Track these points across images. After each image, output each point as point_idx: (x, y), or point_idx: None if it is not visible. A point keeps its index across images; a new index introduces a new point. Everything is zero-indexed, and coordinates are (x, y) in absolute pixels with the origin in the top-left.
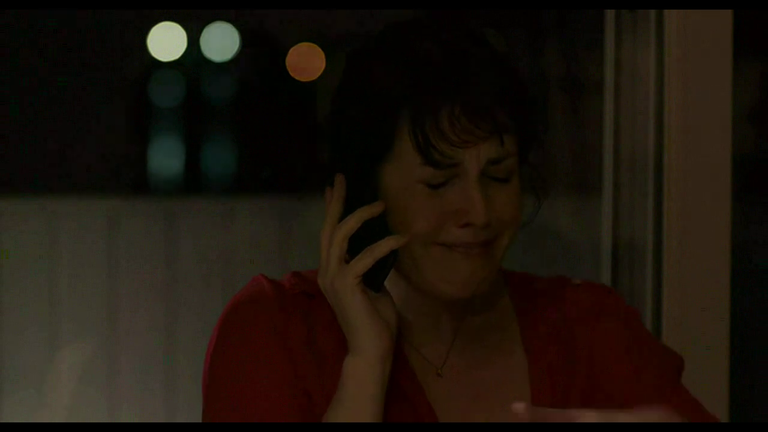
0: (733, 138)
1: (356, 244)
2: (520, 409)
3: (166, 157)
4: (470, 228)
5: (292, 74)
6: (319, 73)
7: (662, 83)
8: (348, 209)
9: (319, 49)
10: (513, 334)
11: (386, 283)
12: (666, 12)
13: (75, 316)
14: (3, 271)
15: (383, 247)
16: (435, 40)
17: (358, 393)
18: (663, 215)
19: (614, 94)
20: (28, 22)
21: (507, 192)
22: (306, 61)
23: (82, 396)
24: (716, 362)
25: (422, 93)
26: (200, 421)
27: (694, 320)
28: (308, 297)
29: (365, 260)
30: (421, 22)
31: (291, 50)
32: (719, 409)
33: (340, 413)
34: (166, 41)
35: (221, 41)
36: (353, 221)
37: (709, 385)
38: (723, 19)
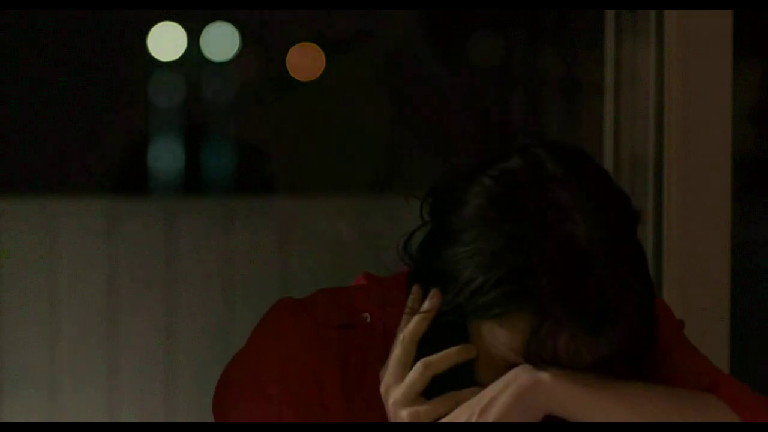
0: (733, 138)
1: (436, 377)
2: None
3: (166, 157)
4: None
5: (292, 74)
6: (319, 73)
7: (662, 83)
8: (432, 330)
9: (319, 49)
10: None
11: None
12: (666, 12)
13: (75, 316)
14: (3, 271)
15: (466, 397)
16: (584, 225)
17: None
18: (663, 215)
19: (614, 94)
20: (28, 22)
21: None
22: (306, 61)
23: (82, 396)
24: (716, 362)
25: (557, 301)
26: (200, 420)
27: (694, 320)
28: (344, 327)
29: (444, 408)
30: (563, 184)
31: (291, 50)
32: None
33: None
34: (166, 41)
35: (221, 41)
36: (447, 362)
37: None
38: (723, 19)
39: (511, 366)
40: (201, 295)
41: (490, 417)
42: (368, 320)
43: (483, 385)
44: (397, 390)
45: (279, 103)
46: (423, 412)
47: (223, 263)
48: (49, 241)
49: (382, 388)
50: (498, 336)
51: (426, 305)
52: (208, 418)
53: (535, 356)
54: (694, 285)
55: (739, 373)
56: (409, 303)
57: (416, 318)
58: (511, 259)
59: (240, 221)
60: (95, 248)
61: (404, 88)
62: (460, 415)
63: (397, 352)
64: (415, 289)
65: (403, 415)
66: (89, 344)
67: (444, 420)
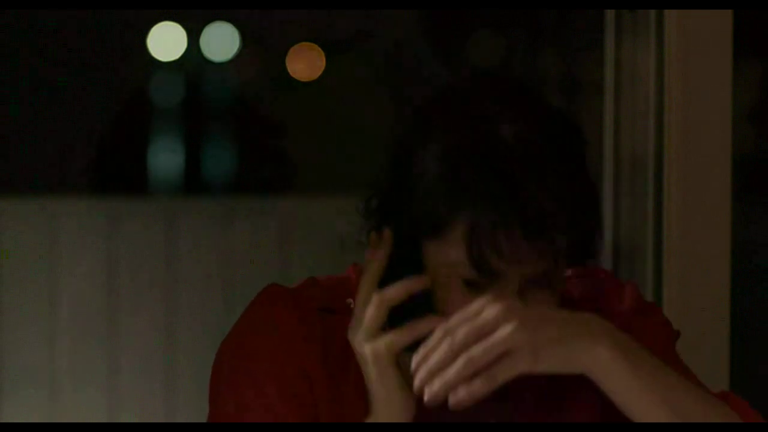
0: (733, 138)
1: (395, 311)
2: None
3: (166, 157)
4: None
5: (292, 74)
6: (319, 73)
7: (662, 83)
8: (389, 268)
9: (319, 49)
10: None
11: None
12: (666, 12)
13: (75, 316)
14: (3, 271)
15: (425, 326)
16: (512, 127)
17: None
18: (663, 215)
19: (614, 94)
20: (28, 22)
21: (544, 294)
22: (306, 61)
23: (82, 396)
24: (716, 362)
25: (487, 198)
26: (200, 420)
27: (694, 320)
28: (328, 312)
29: (405, 338)
30: (497, 87)
31: (291, 50)
32: None
33: None
34: (166, 41)
35: (221, 41)
36: (400, 293)
37: (710, 385)
38: (723, 19)
39: (468, 286)
40: (201, 295)
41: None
42: (352, 306)
43: (443, 315)
44: (360, 329)
45: (279, 103)
46: (383, 344)
47: (223, 263)
48: (49, 241)
49: (349, 335)
50: (443, 254)
51: (380, 245)
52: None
53: (479, 262)
54: (694, 285)
55: (739, 373)
56: (367, 253)
57: (372, 260)
58: (438, 172)
59: (240, 221)
60: (95, 248)
61: (404, 88)
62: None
63: (358, 296)
64: (372, 236)
65: (366, 351)
66: (89, 344)
67: (435, 341)
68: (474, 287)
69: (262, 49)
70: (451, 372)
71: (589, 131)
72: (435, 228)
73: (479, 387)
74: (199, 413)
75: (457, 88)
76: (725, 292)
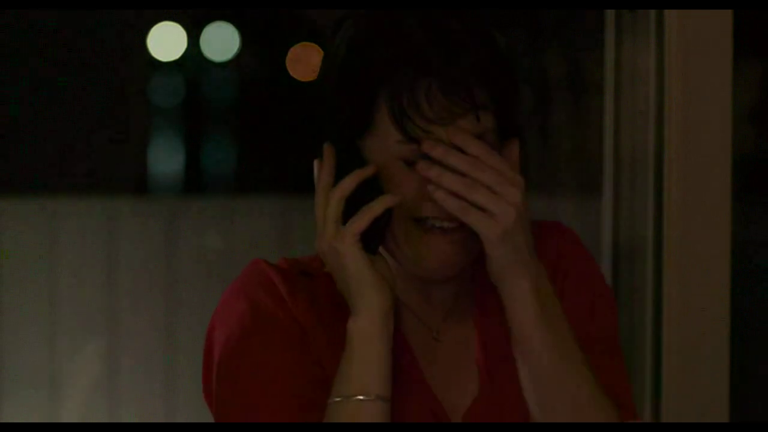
0: (733, 138)
1: (350, 208)
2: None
3: (166, 157)
4: None
5: (292, 74)
6: None
7: (662, 83)
8: (337, 179)
9: (319, 49)
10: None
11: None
12: (666, 12)
13: (75, 316)
14: (3, 271)
15: (379, 204)
16: (418, 15)
17: (366, 351)
18: (663, 215)
19: (614, 94)
20: (28, 22)
21: None
22: (306, 61)
23: (83, 396)
24: (716, 362)
25: (400, 68)
26: (200, 420)
27: (694, 320)
28: (307, 276)
29: (363, 219)
30: (404, 4)
31: (291, 50)
32: (719, 409)
33: (351, 373)
34: (166, 41)
35: (221, 41)
36: (350, 182)
37: (709, 385)
38: (723, 19)
39: (409, 165)
40: (201, 295)
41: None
42: (327, 270)
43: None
44: (323, 230)
45: (279, 103)
46: (346, 230)
47: (223, 263)
48: (49, 241)
49: (317, 244)
50: (378, 141)
51: (323, 158)
52: (208, 418)
53: (404, 126)
54: (694, 285)
55: (739, 373)
56: (315, 173)
57: (320, 174)
58: (354, 64)
59: (240, 221)
60: (95, 248)
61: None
62: None
63: (316, 208)
64: (316, 161)
65: (335, 245)
66: (89, 344)
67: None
68: (413, 165)
69: (262, 49)
70: (454, 179)
71: (589, 131)
72: (364, 118)
73: (449, 202)
74: (199, 413)
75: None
76: (725, 292)
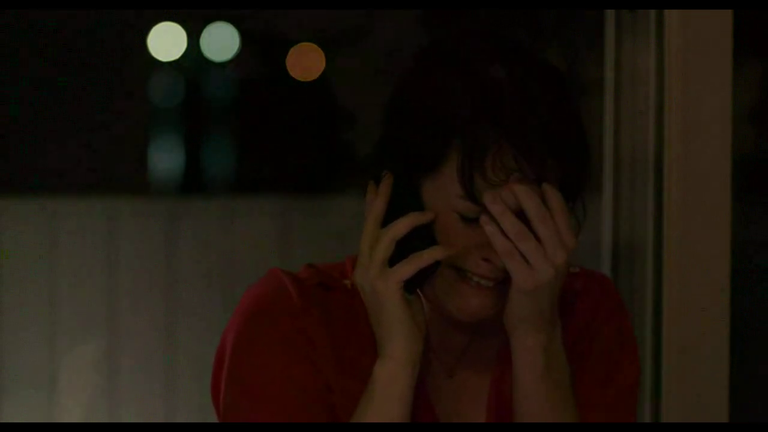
0: (733, 138)
1: (397, 247)
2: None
3: (166, 157)
4: (490, 264)
5: (292, 74)
6: (319, 73)
7: (662, 83)
8: (390, 211)
9: (319, 49)
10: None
11: None
12: (666, 12)
13: (75, 316)
14: (3, 271)
15: (429, 256)
16: (503, 66)
17: (388, 395)
18: (663, 215)
19: (614, 94)
20: (28, 22)
21: None
22: (306, 61)
23: (83, 396)
24: (716, 362)
25: (477, 126)
26: (200, 420)
27: (694, 320)
28: (325, 289)
29: (412, 266)
30: (489, 40)
31: (291, 50)
32: (719, 409)
33: (369, 414)
34: (166, 41)
35: (221, 41)
36: (405, 225)
37: (709, 385)
38: (723, 19)
39: (465, 221)
40: (201, 295)
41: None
42: (349, 286)
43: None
44: (368, 266)
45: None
46: (392, 274)
47: (223, 263)
48: (49, 241)
49: (357, 276)
50: (440, 188)
51: (380, 187)
52: (208, 418)
53: (469, 188)
54: (694, 285)
55: (739, 373)
56: (367, 198)
57: (373, 203)
58: (431, 105)
59: (240, 221)
60: (95, 248)
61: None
62: None
63: (362, 237)
64: (370, 184)
65: (377, 285)
66: (89, 344)
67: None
68: (468, 221)
69: (262, 49)
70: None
71: (589, 131)
72: (430, 162)
73: (499, 240)
74: (199, 413)
75: (451, 38)
76: (725, 292)
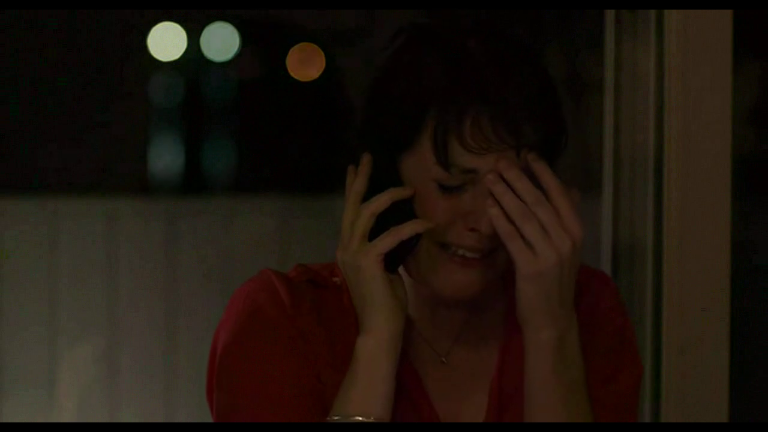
0: (733, 138)
1: (378, 223)
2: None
3: (166, 157)
4: (476, 233)
5: (292, 74)
6: (319, 73)
7: (662, 83)
8: (370, 190)
9: (319, 49)
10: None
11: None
12: (666, 12)
13: (75, 316)
14: (3, 271)
15: (409, 228)
16: (477, 40)
17: (371, 372)
18: (663, 215)
19: (614, 94)
20: (28, 22)
21: None
22: (306, 61)
23: (83, 396)
24: (716, 362)
25: (452, 94)
26: (200, 421)
27: (694, 320)
28: (315, 286)
29: (390, 239)
30: (466, 19)
31: (291, 50)
32: (719, 409)
33: (353, 393)
34: (166, 41)
35: (221, 41)
36: (384, 200)
37: (709, 385)
38: (723, 19)
39: (443, 190)
40: (201, 295)
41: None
42: (338, 283)
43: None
44: (349, 242)
45: (279, 103)
46: (369, 249)
47: (223, 263)
48: (49, 241)
49: (338, 254)
50: (417, 161)
51: (359, 167)
52: (208, 418)
53: (444, 156)
54: (694, 285)
55: (739, 372)
56: (348, 180)
57: (353, 182)
58: (406, 80)
59: (240, 221)
60: (95, 248)
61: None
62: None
63: (344, 216)
64: (350, 167)
65: (359, 260)
66: (89, 344)
67: None
68: (449, 191)
69: (262, 49)
70: (513, 203)
71: (589, 131)
72: (407, 136)
73: (500, 222)
74: (199, 413)
75: (425, 20)
76: (725, 292)
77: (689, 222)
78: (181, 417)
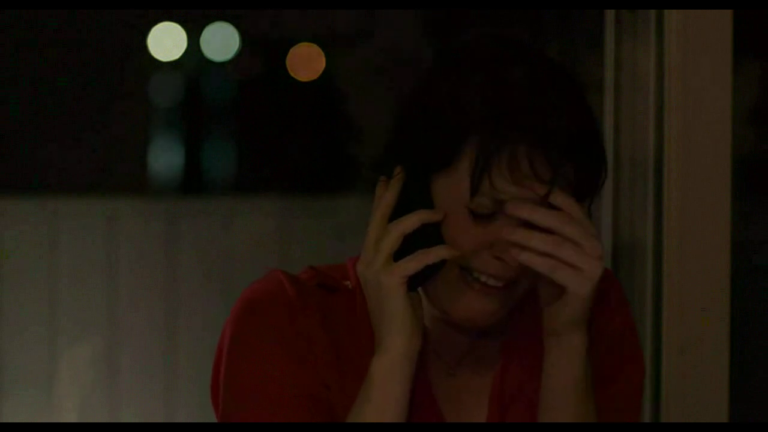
0: (733, 138)
1: (403, 243)
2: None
3: (166, 157)
4: (501, 262)
5: (292, 74)
6: (319, 73)
7: (662, 83)
8: (399, 207)
9: (319, 49)
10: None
11: None
12: (666, 12)
13: (75, 316)
14: (3, 271)
15: (437, 253)
16: (523, 68)
17: (385, 392)
18: (663, 215)
19: (614, 94)
20: (28, 22)
21: None
22: (306, 61)
23: (83, 396)
24: (716, 362)
25: (494, 124)
26: (200, 420)
27: (694, 320)
28: (326, 290)
29: (417, 262)
30: (510, 43)
31: (291, 50)
32: (719, 409)
33: (366, 411)
34: (166, 41)
35: (221, 41)
36: (414, 221)
37: (709, 385)
38: (723, 19)
39: (475, 218)
40: (201, 295)
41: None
42: (350, 287)
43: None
44: (373, 258)
45: (279, 103)
46: (397, 268)
47: (223, 263)
48: (49, 241)
49: (361, 268)
50: (451, 185)
51: (391, 182)
52: (208, 418)
53: (480, 186)
54: (694, 285)
55: (739, 372)
56: (377, 192)
57: (384, 195)
58: (448, 104)
59: (240, 221)
60: (95, 248)
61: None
62: None
63: (369, 230)
64: (381, 180)
65: (381, 278)
66: (89, 344)
67: None
68: (481, 219)
69: (262, 49)
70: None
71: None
72: (443, 158)
73: (538, 261)
74: (199, 413)
75: (468, 42)
76: (725, 292)
77: (689, 222)
78: (181, 417)
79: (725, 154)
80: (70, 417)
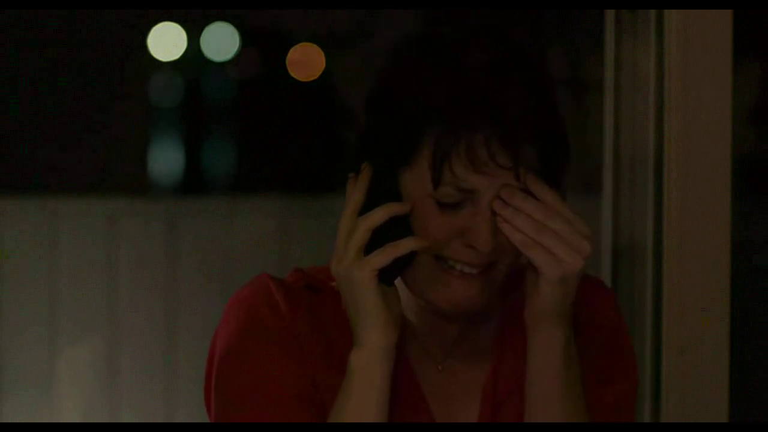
0: (733, 138)
1: (374, 237)
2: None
3: (166, 157)
4: (473, 250)
5: (292, 74)
6: (319, 73)
7: (662, 83)
8: (368, 202)
9: (319, 49)
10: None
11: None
12: (666, 12)
13: (75, 316)
14: (3, 271)
15: (405, 245)
16: (479, 53)
17: (365, 386)
18: (663, 215)
19: (614, 94)
20: (28, 22)
21: None
22: (306, 61)
23: (83, 396)
24: (716, 362)
25: (450, 113)
26: (200, 420)
27: (694, 320)
28: (313, 291)
29: (386, 255)
30: (467, 28)
31: (291, 50)
32: (719, 409)
33: (347, 406)
34: (166, 41)
35: (221, 41)
36: (381, 214)
37: (709, 385)
38: (723, 19)
39: (442, 207)
40: (201, 295)
41: None
42: (335, 287)
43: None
44: (344, 254)
45: (279, 103)
46: (367, 262)
47: (223, 263)
48: (49, 241)
49: (333, 265)
50: (417, 177)
51: (359, 178)
52: (208, 418)
53: (442, 174)
54: (694, 285)
55: (739, 373)
56: (348, 189)
57: (352, 193)
58: (409, 95)
59: (240, 221)
60: (95, 248)
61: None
62: None
63: (340, 227)
64: (351, 177)
65: (353, 273)
66: (89, 344)
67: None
68: (447, 208)
69: (262, 49)
70: (523, 220)
71: (589, 131)
72: (407, 151)
73: (516, 235)
74: (199, 413)
75: (428, 32)
76: (725, 292)
77: (689, 222)
78: (181, 417)
79: (725, 154)
80: (70, 417)
